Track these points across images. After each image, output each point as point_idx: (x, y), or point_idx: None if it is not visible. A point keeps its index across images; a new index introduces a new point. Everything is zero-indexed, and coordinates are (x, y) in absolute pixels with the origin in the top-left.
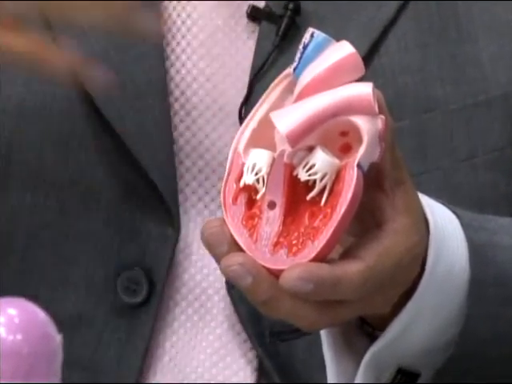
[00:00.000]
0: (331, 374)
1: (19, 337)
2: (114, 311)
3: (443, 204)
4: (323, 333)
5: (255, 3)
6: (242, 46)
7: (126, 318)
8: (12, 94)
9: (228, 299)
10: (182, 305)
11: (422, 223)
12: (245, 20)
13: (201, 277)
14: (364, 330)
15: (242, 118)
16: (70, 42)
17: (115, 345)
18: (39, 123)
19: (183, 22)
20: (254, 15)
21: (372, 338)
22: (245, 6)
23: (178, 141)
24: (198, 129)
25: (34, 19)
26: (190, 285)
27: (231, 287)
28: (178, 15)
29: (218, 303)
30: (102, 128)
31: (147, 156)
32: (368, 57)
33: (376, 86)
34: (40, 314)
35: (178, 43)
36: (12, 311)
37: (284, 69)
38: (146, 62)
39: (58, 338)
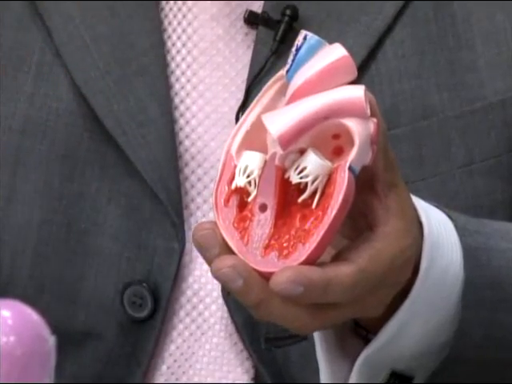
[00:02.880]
0: (324, 376)
1: (12, 339)
2: (122, 326)
3: (437, 207)
4: (316, 335)
5: (253, 8)
6: (242, 55)
7: (133, 333)
8: (16, 111)
9: (225, 308)
10: (186, 321)
11: (415, 226)
12: (245, 29)
13: (204, 292)
14: (358, 332)
15: None
16: (72, 56)
17: (122, 359)
18: (44, 139)
19: (184, 31)
20: (251, 20)
21: (366, 340)
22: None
23: (181, 153)
24: (197, 137)
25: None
26: (193, 301)
27: (227, 294)
28: (179, 23)
29: (216, 312)
30: (106, 142)
31: (151, 169)
32: (365, 63)
33: (373, 93)
34: (33, 316)
35: (179, 51)
36: (5, 313)
37: None
38: (148, 75)
39: (51, 340)
